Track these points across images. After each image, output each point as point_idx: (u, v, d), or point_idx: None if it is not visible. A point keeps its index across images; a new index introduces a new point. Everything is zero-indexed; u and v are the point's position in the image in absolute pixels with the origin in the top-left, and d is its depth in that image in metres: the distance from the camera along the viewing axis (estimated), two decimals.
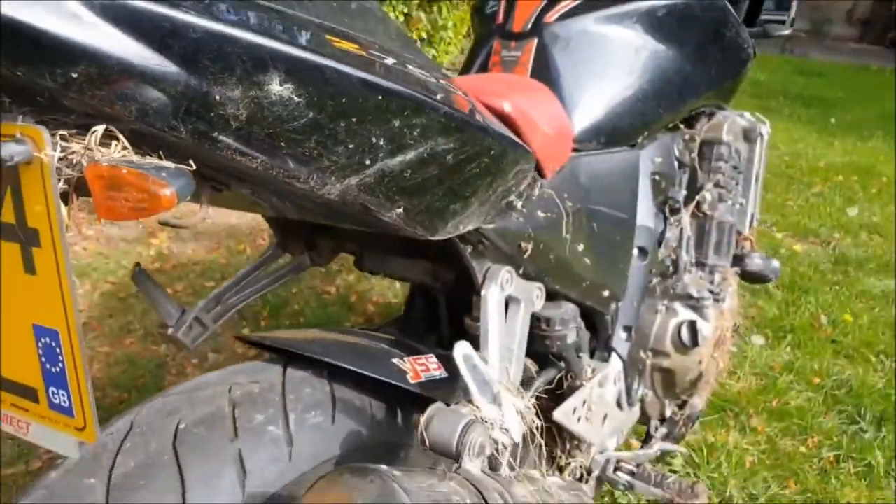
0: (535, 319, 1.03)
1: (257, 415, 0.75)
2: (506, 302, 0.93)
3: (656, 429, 1.51)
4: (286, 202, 0.64)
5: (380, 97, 0.55)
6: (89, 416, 0.50)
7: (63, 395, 0.50)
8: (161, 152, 0.48)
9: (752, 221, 1.84)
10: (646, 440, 1.49)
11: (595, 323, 1.22)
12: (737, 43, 1.44)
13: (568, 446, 1.14)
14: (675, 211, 1.43)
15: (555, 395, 1.11)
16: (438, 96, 0.60)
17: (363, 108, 0.54)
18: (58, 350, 0.50)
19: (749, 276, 1.77)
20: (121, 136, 0.46)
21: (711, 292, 1.48)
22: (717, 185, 1.51)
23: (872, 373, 2.41)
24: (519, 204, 0.87)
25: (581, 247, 1.06)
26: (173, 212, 0.50)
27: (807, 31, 11.46)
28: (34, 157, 0.44)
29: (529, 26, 1.22)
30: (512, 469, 0.80)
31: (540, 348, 1.06)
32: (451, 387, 0.88)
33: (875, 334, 2.64)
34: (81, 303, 2.44)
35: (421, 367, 0.91)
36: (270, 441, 0.74)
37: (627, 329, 1.25)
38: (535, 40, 1.20)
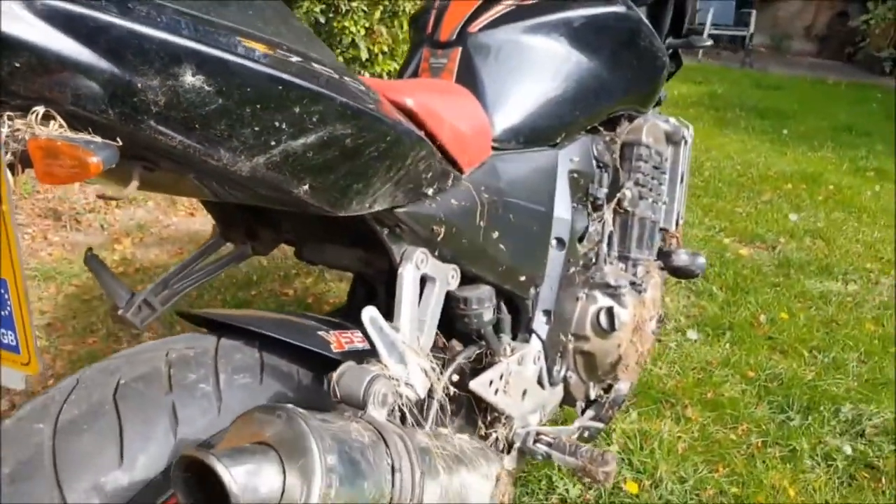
0: (455, 299, 1.14)
1: (190, 374, 0.85)
2: (423, 280, 1.04)
3: (583, 411, 1.63)
4: (211, 182, 0.74)
5: (280, 87, 0.66)
6: (33, 353, 0.60)
7: (10, 335, 0.60)
8: (93, 130, 0.58)
9: (677, 220, 1.98)
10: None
11: (516, 306, 1.33)
12: (650, 52, 1.57)
13: (489, 418, 1.25)
14: (597, 207, 1.56)
15: (477, 371, 1.22)
16: (336, 88, 0.71)
17: (265, 96, 0.65)
18: (6, 297, 0.60)
19: (676, 271, 1.90)
20: (58, 117, 0.56)
21: (633, 283, 1.60)
22: (637, 183, 1.64)
23: (804, 366, 2.55)
24: (430, 191, 0.98)
25: (496, 234, 1.17)
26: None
27: (767, 47, 11.84)
28: None
29: (455, 36, 1.34)
30: (419, 425, 0.91)
31: (461, 327, 1.17)
32: (371, 356, 0.99)
33: (810, 331, 2.79)
34: (46, 305, 2.51)
35: (345, 340, 1.01)
36: (202, 396, 0.84)
37: (547, 313, 1.36)
38: (460, 48, 1.32)
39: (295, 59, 0.69)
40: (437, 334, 1.17)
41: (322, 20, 3.66)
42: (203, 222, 3.24)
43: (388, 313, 1.01)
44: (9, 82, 0.54)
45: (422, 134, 0.88)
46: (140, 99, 0.59)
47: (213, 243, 1.22)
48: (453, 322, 1.17)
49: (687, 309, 2.91)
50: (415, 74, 1.37)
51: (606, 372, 1.54)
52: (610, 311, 1.47)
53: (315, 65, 0.72)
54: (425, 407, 0.98)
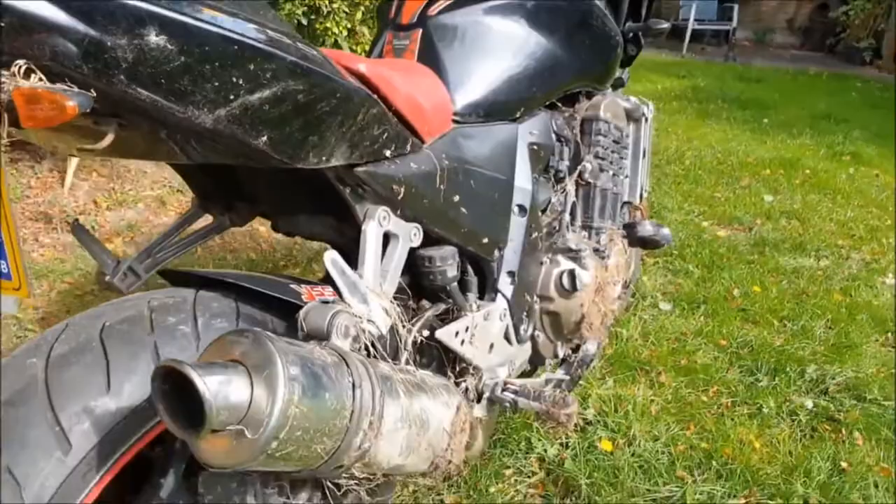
0: (420, 258, 1.24)
1: (171, 318, 0.94)
2: (387, 238, 1.13)
3: (553, 370, 1.72)
4: (180, 139, 0.83)
5: (235, 47, 0.75)
6: (23, 279, 0.69)
7: (3, 264, 0.69)
8: (69, 83, 0.68)
9: (642, 193, 2.08)
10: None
11: (482, 268, 1.42)
12: (604, 33, 1.67)
13: (458, 368, 1.34)
14: (559, 179, 1.66)
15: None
16: (288, 49, 0.81)
17: (223, 55, 0.74)
18: None
19: (642, 242, 1.99)
20: (38, 71, 0.65)
21: (596, 250, 1.70)
22: (597, 156, 1.73)
23: (774, 334, 2.65)
24: (388, 153, 1.07)
25: (457, 198, 1.26)
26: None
27: (750, 41, 11.98)
28: None
29: (416, 18, 1.44)
30: (384, 359, 1.00)
31: (427, 284, 1.26)
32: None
33: (781, 303, 2.89)
34: (40, 301, 2.59)
35: (316, 293, 1.10)
36: (181, 336, 0.93)
37: (511, 274, 1.46)
38: (420, 30, 1.42)
39: (251, 25, 0.79)
40: (407, 296, 1.27)
41: (304, 22, 3.76)
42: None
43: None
44: None
45: (374, 96, 0.98)
46: (110, 56, 0.68)
47: (193, 214, 1.31)
48: (420, 281, 1.26)
49: (664, 286, 3.01)
50: (379, 56, 1.47)
51: (572, 331, 1.63)
52: (572, 274, 1.56)
53: (269, 30, 0.81)
54: (393, 351, 1.07)
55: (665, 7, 10.64)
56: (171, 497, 1.02)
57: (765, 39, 12.18)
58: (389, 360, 1.02)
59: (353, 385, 0.85)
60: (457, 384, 1.34)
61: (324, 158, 0.92)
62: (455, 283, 1.29)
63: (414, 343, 1.16)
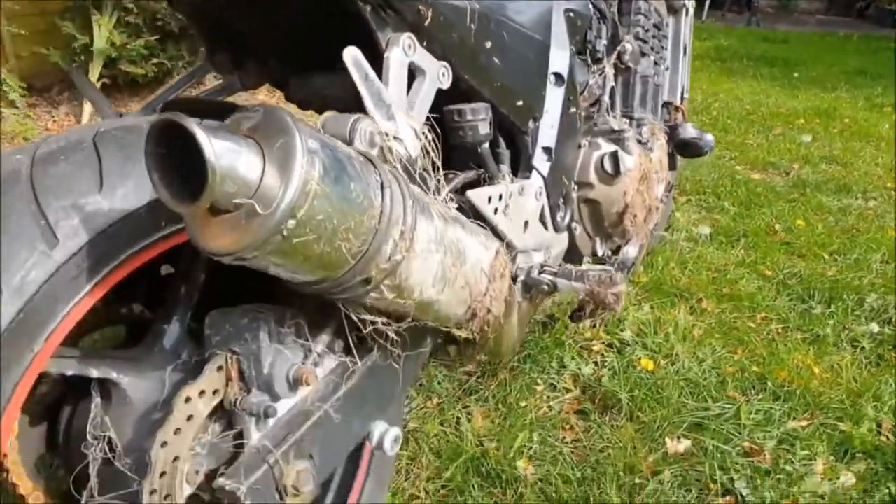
0: (449, 113, 1.11)
1: None
2: (412, 75, 1.01)
3: None
4: None
5: None
6: None
7: None
8: None
9: (682, 93, 1.94)
10: None
11: (516, 141, 1.30)
12: None
13: None
14: (597, 60, 1.52)
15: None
16: None
17: None
18: None
19: (683, 146, 1.85)
20: None
21: (639, 141, 1.57)
22: (637, 38, 1.60)
23: (824, 265, 2.50)
24: None
25: (489, 44, 1.13)
26: None
27: (773, 7, 11.67)
28: None
29: None
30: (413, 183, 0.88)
31: (456, 141, 1.14)
32: None
33: (829, 238, 2.73)
34: None
35: None
36: None
37: (547, 150, 1.33)
38: None
39: None
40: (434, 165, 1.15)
41: None
42: None
43: None
44: None
45: None
46: None
47: (200, 69, 1.20)
48: (449, 139, 1.13)
49: (698, 222, 2.86)
50: None
51: (613, 224, 1.50)
52: (615, 156, 1.43)
53: None
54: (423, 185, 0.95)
55: None
56: (174, 346, 0.91)
57: (789, 5, 11.86)
58: (421, 184, 0.90)
59: (382, 185, 0.73)
60: None
61: None
62: (487, 146, 1.17)
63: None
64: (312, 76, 1.21)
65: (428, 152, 0.92)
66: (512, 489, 1.41)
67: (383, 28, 0.96)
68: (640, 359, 1.86)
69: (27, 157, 0.72)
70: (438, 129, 1.06)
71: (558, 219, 1.39)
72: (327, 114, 0.82)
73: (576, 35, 1.41)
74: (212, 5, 1.08)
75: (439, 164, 0.95)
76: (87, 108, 3.23)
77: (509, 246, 1.23)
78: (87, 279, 0.71)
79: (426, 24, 0.98)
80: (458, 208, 1.07)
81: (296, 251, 0.65)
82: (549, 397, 1.73)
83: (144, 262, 0.78)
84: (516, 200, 1.23)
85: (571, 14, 1.38)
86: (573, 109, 1.38)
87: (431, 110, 1.00)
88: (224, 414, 0.87)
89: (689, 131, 1.83)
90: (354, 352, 0.91)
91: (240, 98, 1.27)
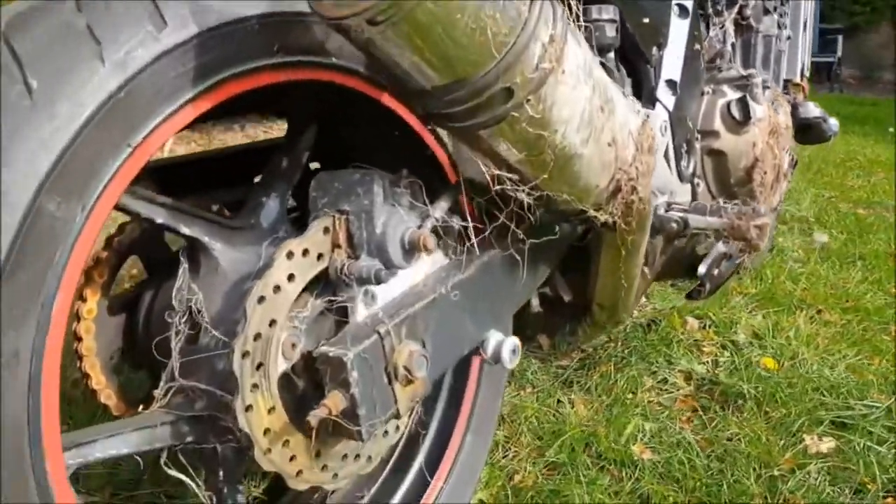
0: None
1: None
2: None
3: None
4: None
5: None
6: None
7: None
8: None
9: (803, 70, 1.80)
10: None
11: (639, 71, 1.19)
12: None
13: None
14: (718, 13, 1.42)
15: None
16: None
17: None
18: None
19: (806, 126, 1.69)
20: None
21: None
22: None
23: None
24: None
25: None
26: None
27: (855, 77, 11.41)
28: None
29: None
30: None
31: None
32: None
33: None
34: None
35: None
36: None
37: (671, 84, 1.20)
38: None
39: None
40: None
41: None
42: None
43: None
44: None
45: None
46: None
47: None
48: None
49: (804, 244, 2.64)
50: None
51: (740, 181, 1.34)
52: (743, 101, 1.29)
53: None
54: None
55: None
56: (272, 223, 0.81)
57: (872, 76, 11.57)
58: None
59: None
60: None
61: None
62: (612, 56, 1.06)
63: None
64: None
65: None
66: (628, 470, 1.22)
67: None
68: (759, 357, 1.66)
69: None
70: None
71: (682, 167, 1.25)
72: None
73: None
74: None
75: None
76: None
77: None
78: (191, 82, 0.62)
79: None
80: None
81: (434, 21, 0.54)
82: (659, 391, 1.54)
83: (247, 90, 0.68)
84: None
85: None
86: (697, 47, 1.27)
87: None
88: (327, 287, 0.75)
89: (811, 110, 1.68)
90: (471, 233, 0.78)
91: None
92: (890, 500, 1.20)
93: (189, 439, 0.75)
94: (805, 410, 1.43)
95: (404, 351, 0.71)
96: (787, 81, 1.70)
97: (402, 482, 0.98)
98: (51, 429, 0.56)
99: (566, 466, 1.22)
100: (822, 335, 1.83)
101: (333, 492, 0.94)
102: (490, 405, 1.04)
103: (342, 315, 0.75)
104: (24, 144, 0.52)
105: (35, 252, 0.53)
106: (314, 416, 0.65)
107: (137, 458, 0.73)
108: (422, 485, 0.99)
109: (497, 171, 0.70)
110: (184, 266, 0.75)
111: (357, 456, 0.80)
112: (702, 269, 1.38)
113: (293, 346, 0.72)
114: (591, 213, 0.78)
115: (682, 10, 1.23)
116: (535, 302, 1.22)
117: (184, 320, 0.74)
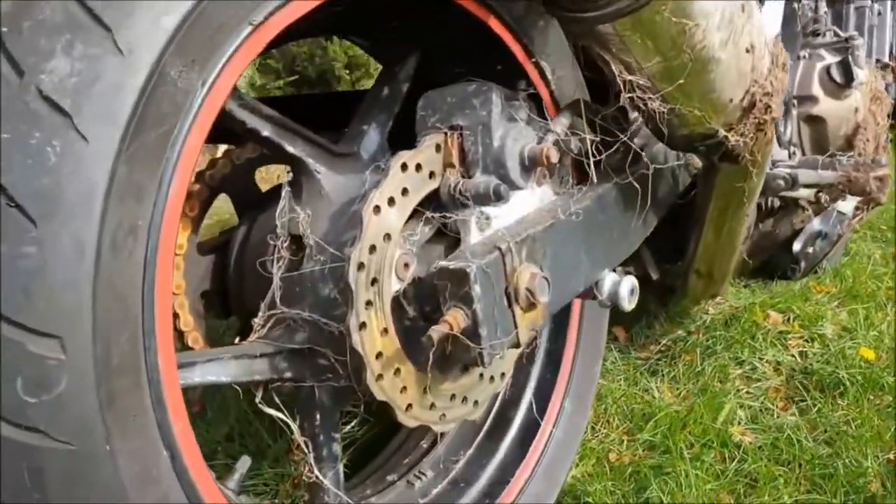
0: None
1: None
2: None
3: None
4: None
5: None
6: None
7: None
8: None
9: (891, 50, 1.72)
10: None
11: None
12: None
13: None
14: None
15: None
16: None
17: None
18: None
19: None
20: None
21: None
22: None
23: None
24: None
25: None
26: None
27: None
28: None
29: None
30: None
31: None
32: None
33: None
34: None
35: None
36: None
37: None
38: None
39: None
40: None
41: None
42: None
43: None
44: None
45: None
46: None
47: None
48: None
49: (880, 248, 2.52)
50: None
51: (840, 150, 1.27)
52: (845, 63, 1.22)
53: None
54: None
55: None
56: (373, 153, 0.76)
57: None
58: None
59: None
60: None
61: None
62: None
63: None
64: None
65: None
66: (730, 451, 1.13)
67: None
68: (855, 348, 1.56)
69: None
70: None
71: (780, 130, 1.18)
72: None
73: None
74: None
75: None
76: None
77: None
78: None
79: None
80: None
81: None
82: (747, 380, 1.45)
83: None
84: None
85: None
86: (794, 5, 1.21)
87: None
88: (438, 210, 0.70)
89: None
90: (590, 159, 0.73)
91: None
92: None
93: (287, 375, 0.70)
94: None
95: (525, 272, 0.65)
96: (876, 60, 1.63)
97: (497, 450, 0.91)
98: (163, 320, 0.51)
99: (663, 446, 1.14)
100: None
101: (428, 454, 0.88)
102: (596, 343, 0.98)
103: (453, 243, 0.70)
104: (149, 3, 0.48)
105: (156, 119, 0.48)
106: (435, 332, 0.59)
107: (236, 387, 0.68)
108: (517, 458, 0.92)
109: (629, 77, 0.65)
110: (286, 189, 0.71)
111: (465, 399, 0.74)
112: (796, 245, 1.30)
113: (406, 265, 0.66)
114: (722, 133, 0.72)
115: None
116: None
117: (286, 244, 0.70)
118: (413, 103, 0.74)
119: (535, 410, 0.92)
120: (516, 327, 0.65)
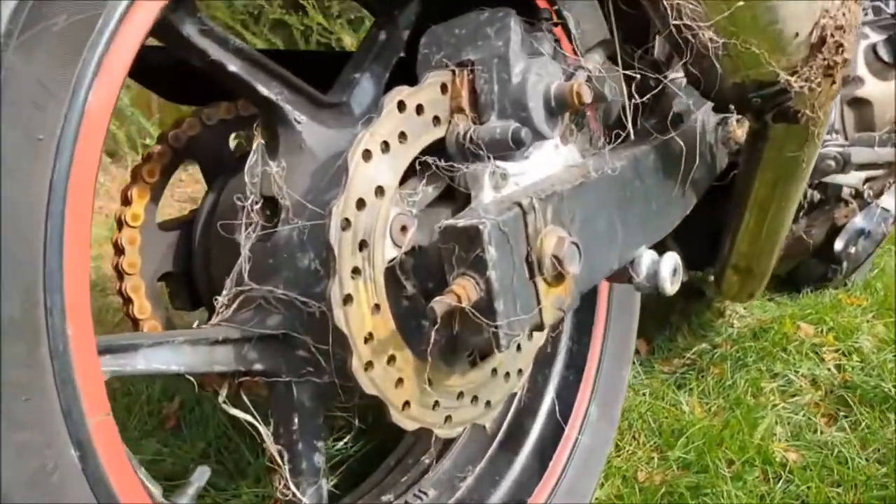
0: None
1: None
2: None
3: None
4: None
5: None
6: None
7: None
8: None
9: None
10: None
11: None
12: None
13: None
14: None
15: None
16: None
17: None
18: None
19: None
20: None
21: None
22: None
23: None
24: None
25: None
26: None
27: None
28: None
29: None
30: None
31: None
32: None
33: None
34: None
35: None
36: None
37: None
38: None
39: None
40: None
41: None
42: None
43: None
44: None
45: None
46: None
47: None
48: None
49: None
50: None
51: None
52: (893, 40, 1.11)
53: None
54: None
55: None
56: (367, 105, 0.64)
57: None
58: None
59: None
60: None
61: None
62: None
63: None
64: None
65: None
66: (773, 471, 1.00)
67: None
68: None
69: None
70: None
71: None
72: None
73: None
74: None
75: None
76: None
77: None
78: None
79: None
80: None
81: None
82: (783, 394, 1.32)
83: None
84: None
85: None
86: None
87: None
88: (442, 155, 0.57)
89: None
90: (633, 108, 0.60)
91: None
92: None
93: (257, 367, 0.57)
94: None
95: (552, 236, 0.52)
96: None
97: (513, 463, 0.78)
98: (77, 275, 0.38)
99: (699, 464, 1.00)
100: None
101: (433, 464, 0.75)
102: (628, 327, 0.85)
103: (463, 208, 0.57)
104: None
105: None
106: (439, 304, 0.46)
107: (192, 379, 0.55)
108: (536, 473, 0.78)
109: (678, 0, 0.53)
110: (258, 142, 0.59)
111: (475, 398, 0.60)
112: (838, 244, 1.18)
113: (404, 229, 0.54)
114: (784, 77, 0.60)
115: None
116: None
117: (257, 206, 0.57)
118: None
119: (557, 414, 0.79)
120: (539, 304, 0.52)
